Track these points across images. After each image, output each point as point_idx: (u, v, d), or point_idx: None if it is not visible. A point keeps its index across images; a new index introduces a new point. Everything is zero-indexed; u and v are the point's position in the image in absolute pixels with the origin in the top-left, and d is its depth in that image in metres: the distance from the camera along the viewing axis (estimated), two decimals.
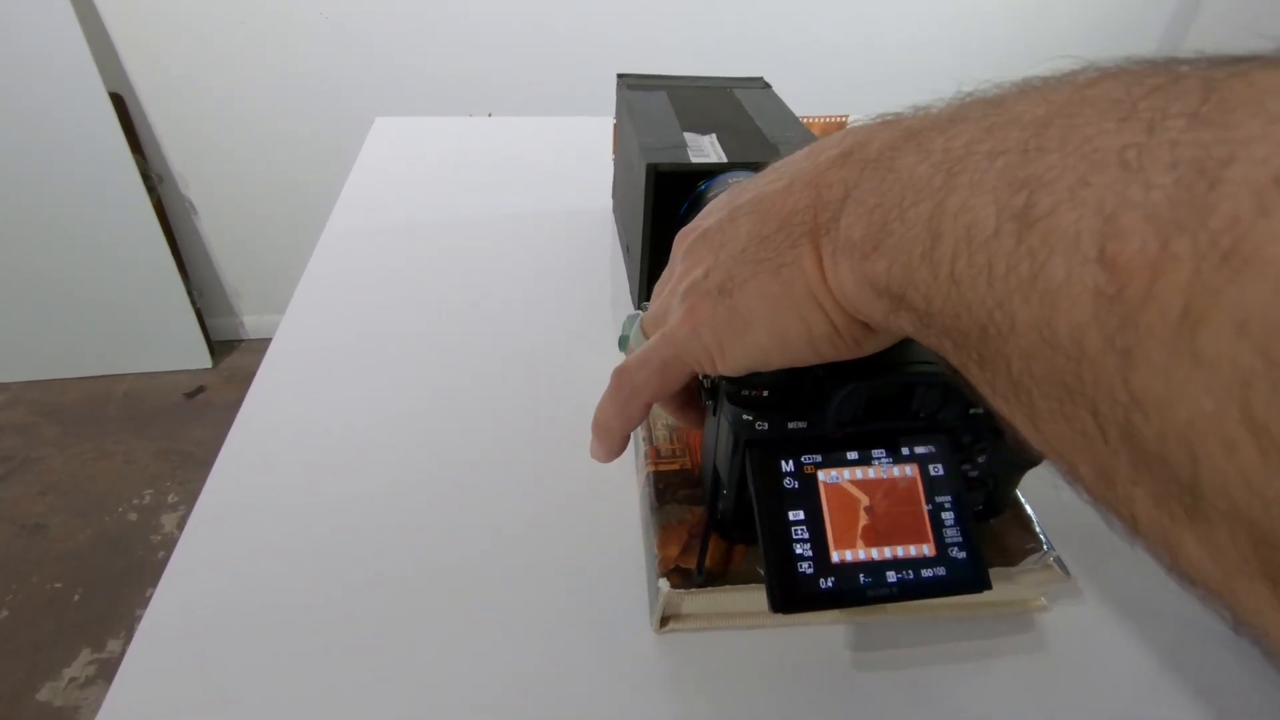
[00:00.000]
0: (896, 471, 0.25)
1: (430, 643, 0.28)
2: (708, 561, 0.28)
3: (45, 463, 1.36)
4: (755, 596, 0.27)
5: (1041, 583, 0.29)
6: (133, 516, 1.27)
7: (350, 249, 0.52)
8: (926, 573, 0.24)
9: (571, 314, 0.47)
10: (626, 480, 0.35)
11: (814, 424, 0.25)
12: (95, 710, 0.24)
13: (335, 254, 0.51)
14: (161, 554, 1.20)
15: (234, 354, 1.63)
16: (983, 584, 0.24)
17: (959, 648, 0.29)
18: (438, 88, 1.37)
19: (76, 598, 1.13)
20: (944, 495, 0.25)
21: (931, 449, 0.25)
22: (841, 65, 1.46)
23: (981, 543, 0.25)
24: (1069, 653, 0.29)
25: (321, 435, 0.36)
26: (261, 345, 1.69)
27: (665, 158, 0.40)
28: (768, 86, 0.52)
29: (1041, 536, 0.30)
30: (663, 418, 0.34)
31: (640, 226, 0.42)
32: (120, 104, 1.30)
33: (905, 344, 0.23)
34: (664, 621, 0.28)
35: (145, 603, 0.28)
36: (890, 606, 0.29)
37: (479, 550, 0.31)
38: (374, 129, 0.70)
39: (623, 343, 0.42)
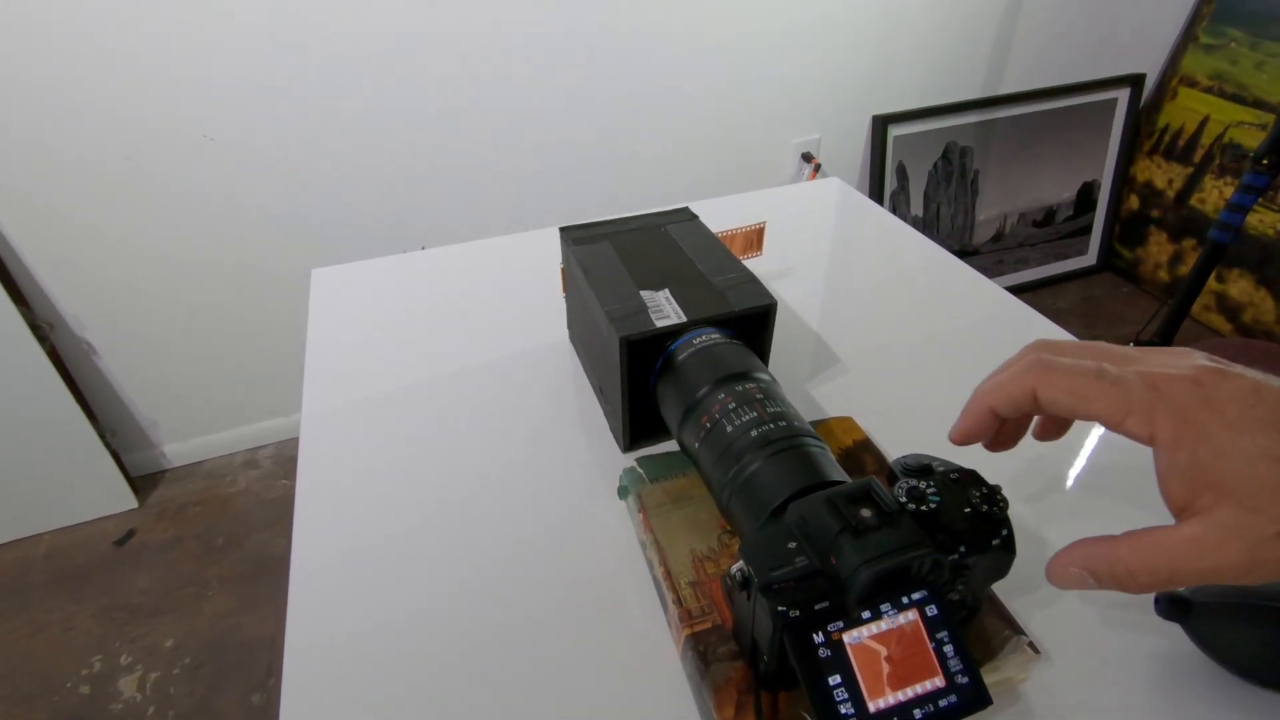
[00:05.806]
0: (902, 619, 0.31)
1: None
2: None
3: None
4: None
5: (1020, 664, 0.36)
6: (85, 689, 1.19)
7: (336, 418, 0.54)
8: (942, 703, 0.30)
9: (562, 457, 0.51)
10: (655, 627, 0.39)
11: (835, 602, 0.30)
12: None
13: (322, 425, 0.53)
14: None
15: (160, 487, 1.54)
16: (985, 701, 0.30)
17: None
18: (328, 208, 1.36)
19: None
20: (941, 631, 0.31)
21: (925, 593, 0.31)
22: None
23: (969, 641, 0.31)
24: (1049, 711, 0.35)
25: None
26: (187, 471, 1.62)
27: (633, 327, 0.45)
28: (694, 217, 0.58)
29: (1014, 620, 0.36)
30: (685, 575, 0.39)
31: (617, 384, 0.47)
32: None
33: (902, 530, 0.29)
34: None
35: None
36: None
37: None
38: (314, 281, 0.71)
39: (622, 492, 0.47)
